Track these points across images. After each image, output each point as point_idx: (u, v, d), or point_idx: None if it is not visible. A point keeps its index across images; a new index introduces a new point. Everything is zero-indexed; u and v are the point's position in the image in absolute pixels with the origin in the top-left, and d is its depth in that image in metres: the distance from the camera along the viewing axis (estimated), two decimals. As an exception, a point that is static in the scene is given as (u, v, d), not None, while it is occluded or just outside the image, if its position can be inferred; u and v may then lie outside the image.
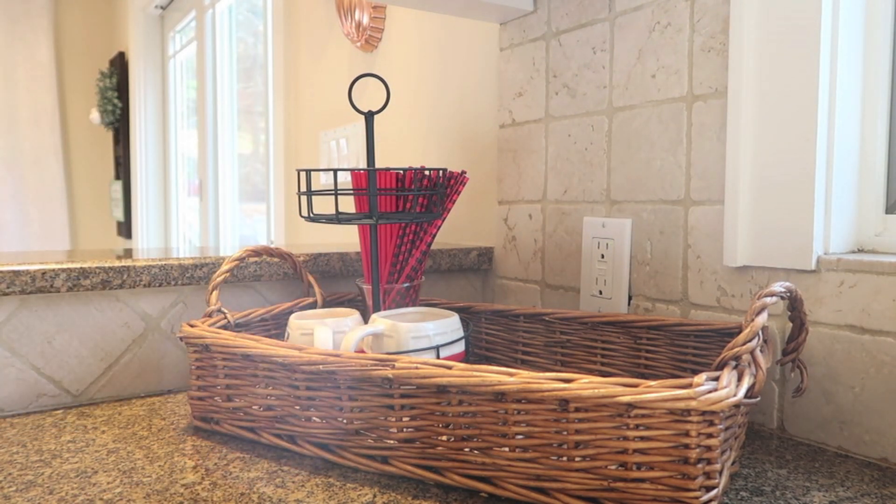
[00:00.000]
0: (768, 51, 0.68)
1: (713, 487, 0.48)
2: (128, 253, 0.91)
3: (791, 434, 0.68)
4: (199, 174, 2.94)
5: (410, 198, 0.80)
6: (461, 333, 0.72)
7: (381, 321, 0.69)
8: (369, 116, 0.76)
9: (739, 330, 0.50)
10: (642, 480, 0.48)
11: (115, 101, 3.85)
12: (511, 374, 0.51)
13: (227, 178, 2.80)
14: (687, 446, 0.47)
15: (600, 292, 0.88)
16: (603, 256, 0.87)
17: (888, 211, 0.69)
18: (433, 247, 1.06)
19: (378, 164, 1.43)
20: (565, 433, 0.50)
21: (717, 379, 0.47)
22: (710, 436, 0.47)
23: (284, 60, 1.89)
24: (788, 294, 0.55)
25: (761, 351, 0.52)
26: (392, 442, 0.58)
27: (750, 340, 0.49)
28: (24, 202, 4.00)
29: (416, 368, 0.54)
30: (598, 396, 0.47)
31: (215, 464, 0.60)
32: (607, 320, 0.78)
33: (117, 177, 4.08)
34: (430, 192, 0.80)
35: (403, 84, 1.34)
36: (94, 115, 3.97)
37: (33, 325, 0.77)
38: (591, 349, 0.80)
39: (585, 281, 0.90)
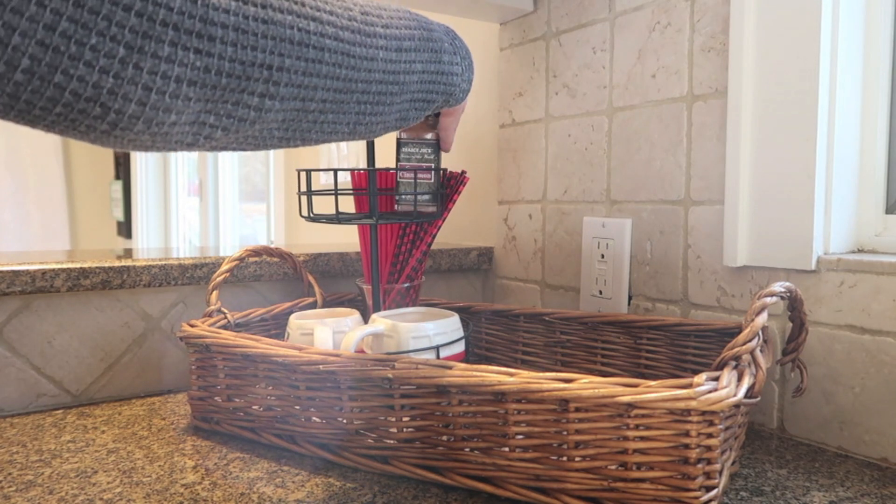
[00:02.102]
0: (768, 51, 0.68)
1: (713, 487, 0.48)
2: (128, 253, 0.91)
3: (791, 434, 0.68)
4: (199, 174, 2.94)
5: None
6: (461, 333, 0.72)
7: (381, 321, 0.69)
8: (369, 116, 0.75)
9: (739, 330, 0.50)
10: (642, 480, 0.48)
11: (116, 100, 3.85)
12: (511, 374, 0.51)
13: (227, 178, 2.80)
14: (687, 446, 0.47)
15: (600, 292, 0.88)
16: (603, 256, 0.87)
17: (888, 211, 0.69)
18: (433, 247, 1.06)
19: (378, 164, 1.43)
20: (565, 433, 0.50)
21: (717, 379, 0.47)
22: (710, 436, 0.47)
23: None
24: (788, 294, 0.55)
25: (761, 351, 0.51)
26: (392, 442, 0.58)
27: (750, 340, 0.49)
28: (24, 202, 4.00)
29: (416, 368, 0.54)
30: (598, 396, 0.47)
31: (215, 464, 0.60)
32: (607, 320, 0.78)
33: (117, 177, 4.08)
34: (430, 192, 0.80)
35: (403, 84, 1.33)
36: (95, 115, 3.97)
37: (33, 325, 0.77)
38: (592, 349, 0.80)
39: (585, 281, 0.90)
